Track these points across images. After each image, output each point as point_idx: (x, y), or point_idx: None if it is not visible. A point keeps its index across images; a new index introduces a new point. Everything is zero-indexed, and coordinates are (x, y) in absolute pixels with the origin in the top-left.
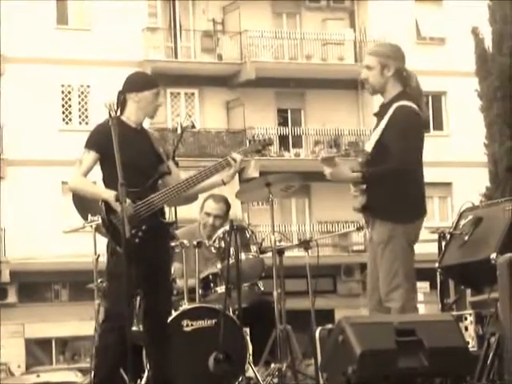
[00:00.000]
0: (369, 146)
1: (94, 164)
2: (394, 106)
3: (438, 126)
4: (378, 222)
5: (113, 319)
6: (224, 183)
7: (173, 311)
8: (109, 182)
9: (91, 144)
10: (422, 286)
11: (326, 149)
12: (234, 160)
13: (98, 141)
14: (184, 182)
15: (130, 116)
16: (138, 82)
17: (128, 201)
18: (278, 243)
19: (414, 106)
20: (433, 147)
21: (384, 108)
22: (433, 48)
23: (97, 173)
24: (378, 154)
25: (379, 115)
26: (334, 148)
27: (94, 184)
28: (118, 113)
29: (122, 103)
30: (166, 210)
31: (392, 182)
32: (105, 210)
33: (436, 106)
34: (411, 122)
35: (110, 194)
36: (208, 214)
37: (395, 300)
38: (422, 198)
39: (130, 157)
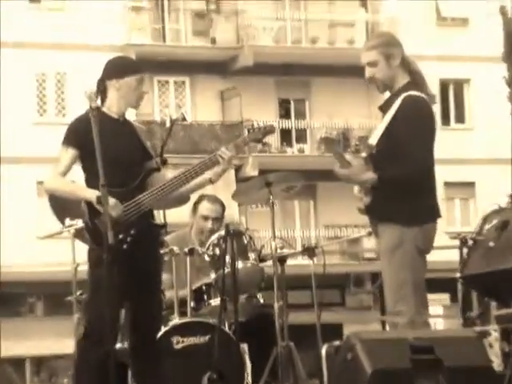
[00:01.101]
0: (374, 139)
1: (73, 162)
2: (402, 95)
3: (460, 118)
4: (385, 226)
5: (94, 335)
6: (211, 182)
7: (162, 326)
8: (92, 182)
9: (69, 140)
10: (442, 298)
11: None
12: (222, 157)
13: (77, 136)
14: (173, 181)
15: (112, 106)
16: (118, 67)
17: (114, 200)
18: (279, 250)
19: (424, 95)
20: (454, 142)
21: (391, 100)
22: (454, 30)
23: (78, 173)
24: (385, 147)
25: (385, 109)
26: (341, 143)
27: (74, 183)
28: (99, 103)
29: (102, 92)
30: (155, 213)
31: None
32: (88, 212)
33: (458, 96)
34: (424, 115)
35: (92, 194)
36: (206, 218)
37: (402, 314)
38: (434, 198)
39: (113, 153)
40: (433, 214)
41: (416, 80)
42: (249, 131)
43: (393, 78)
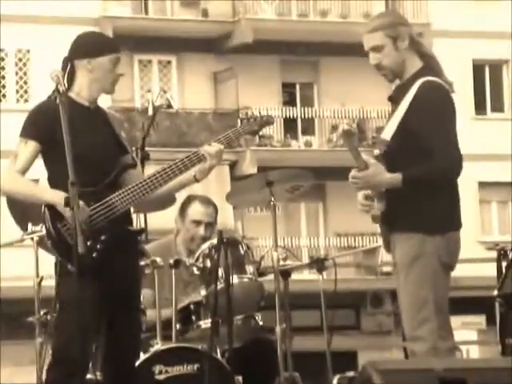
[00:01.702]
0: (387, 134)
1: (33, 158)
2: (419, 82)
3: (497, 106)
4: (401, 235)
5: (62, 364)
6: (197, 180)
7: (141, 353)
8: (55, 180)
9: (29, 131)
10: (476, 321)
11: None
12: (205, 156)
13: (39, 126)
14: (151, 179)
15: (81, 91)
16: (91, 45)
17: (81, 203)
18: (282, 262)
19: (443, 82)
20: (489, 135)
21: (403, 88)
22: (491, 4)
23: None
24: (402, 143)
25: (396, 99)
26: (356, 134)
27: (35, 183)
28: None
29: (68, 74)
30: (133, 217)
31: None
32: (49, 216)
33: (495, 80)
34: (446, 103)
35: (55, 196)
36: (197, 223)
37: (422, 339)
38: (458, 202)
39: (81, 146)
40: (458, 220)
41: (431, 64)
42: (242, 121)
43: (402, 63)
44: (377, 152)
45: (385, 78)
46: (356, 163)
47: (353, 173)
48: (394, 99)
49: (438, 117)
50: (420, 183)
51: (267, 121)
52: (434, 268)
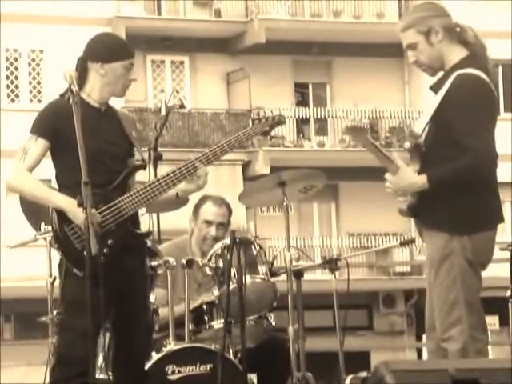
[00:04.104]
0: (419, 127)
1: (42, 155)
2: (455, 74)
3: (510, 106)
4: (431, 232)
5: (69, 364)
6: (177, 197)
7: (154, 353)
8: (63, 180)
9: (40, 129)
10: (490, 322)
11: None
12: (198, 175)
13: (50, 124)
14: (160, 181)
15: (92, 92)
16: (105, 49)
17: (92, 210)
18: (294, 262)
19: (483, 74)
20: (502, 135)
21: (444, 78)
22: (502, 3)
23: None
24: (434, 137)
25: (436, 89)
26: (368, 129)
27: (44, 184)
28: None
29: (81, 74)
30: (146, 217)
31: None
32: (57, 219)
33: (507, 80)
34: (480, 96)
35: (64, 201)
36: (209, 223)
37: (454, 339)
38: (492, 200)
39: (90, 147)
40: (490, 219)
41: (475, 52)
42: (253, 122)
43: (440, 57)
44: (407, 145)
45: (428, 75)
46: (381, 163)
47: (387, 176)
48: (435, 90)
49: (468, 110)
50: (445, 183)
51: (279, 121)
52: (462, 268)
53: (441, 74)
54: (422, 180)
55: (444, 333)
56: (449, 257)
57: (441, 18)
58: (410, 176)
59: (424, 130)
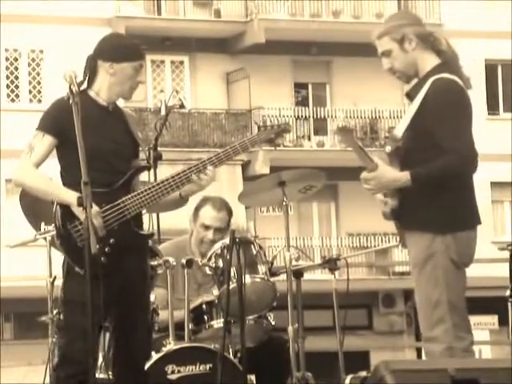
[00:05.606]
0: (399, 130)
1: (49, 152)
2: (431, 79)
3: (510, 106)
4: (413, 234)
5: (70, 364)
6: (181, 197)
7: (153, 353)
8: (68, 177)
9: (47, 125)
10: (489, 321)
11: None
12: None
13: (57, 122)
14: (164, 183)
15: (100, 91)
16: (116, 49)
17: (96, 209)
18: (294, 262)
19: (457, 79)
20: (501, 135)
21: (419, 85)
22: (503, 3)
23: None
24: (413, 140)
25: (412, 96)
26: (369, 134)
27: (50, 180)
28: (85, 85)
29: (91, 72)
30: (146, 217)
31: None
32: (61, 216)
33: (507, 80)
34: (457, 100)
35: (74, 196)
36: (206, 227)
37: (438, 340)
38: (472, 200)
39: (96, 145)
40: (471, 219)
41: (447, 60)
42: (259, 129)
43: (414, 64)
44: (388, 148)
45: (400, 81)
46: (362, 162)
47: (363, 174)
48: (411, 96)
49: (448, 113)
50: (429, 181)
51: (284, 129)
52: (446, 267)
53: (415, 81)
54: (405, 176)
55: (427, 332)
56: (432, 256)
57: (414, 27)
58: (390, 172)
59: (404, 133)
